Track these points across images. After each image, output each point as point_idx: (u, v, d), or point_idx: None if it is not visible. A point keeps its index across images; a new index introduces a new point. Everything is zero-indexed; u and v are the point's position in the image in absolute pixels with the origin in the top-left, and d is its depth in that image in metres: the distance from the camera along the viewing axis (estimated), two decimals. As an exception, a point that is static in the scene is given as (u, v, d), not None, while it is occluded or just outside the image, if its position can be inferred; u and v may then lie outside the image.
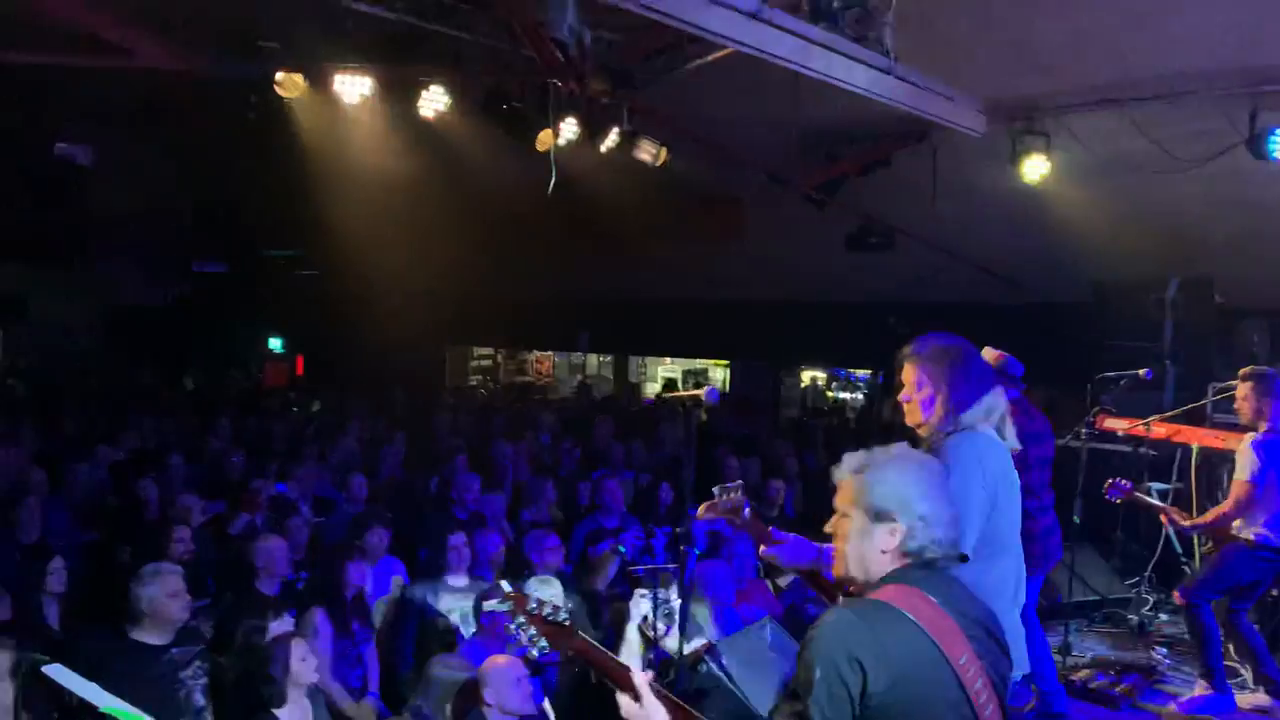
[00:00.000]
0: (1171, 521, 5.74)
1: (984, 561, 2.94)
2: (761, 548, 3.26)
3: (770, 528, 3.29)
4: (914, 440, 3.29)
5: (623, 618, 4.80)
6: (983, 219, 8.93)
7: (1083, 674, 5.96)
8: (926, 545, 2.09)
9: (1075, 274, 8.99)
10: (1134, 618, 6.86)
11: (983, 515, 2.98)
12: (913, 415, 3.21)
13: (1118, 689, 5.77)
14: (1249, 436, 5.28)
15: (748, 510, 3.31)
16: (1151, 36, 5.62)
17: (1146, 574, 7.02)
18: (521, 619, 2.28)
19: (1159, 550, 6.86)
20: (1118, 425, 6.73)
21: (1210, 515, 5.45)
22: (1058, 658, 5.93)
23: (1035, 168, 7.20)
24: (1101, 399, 6.65)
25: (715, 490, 3.31)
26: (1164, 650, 6.44)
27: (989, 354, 5.30)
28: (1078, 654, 6.28)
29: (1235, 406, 5.46)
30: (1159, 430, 6.66)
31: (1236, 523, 5.28)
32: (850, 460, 2.22)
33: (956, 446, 3.04)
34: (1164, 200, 7.78)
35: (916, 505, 2.10)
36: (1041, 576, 5.42)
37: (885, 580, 2.10)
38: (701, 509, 3.31)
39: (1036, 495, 5.04)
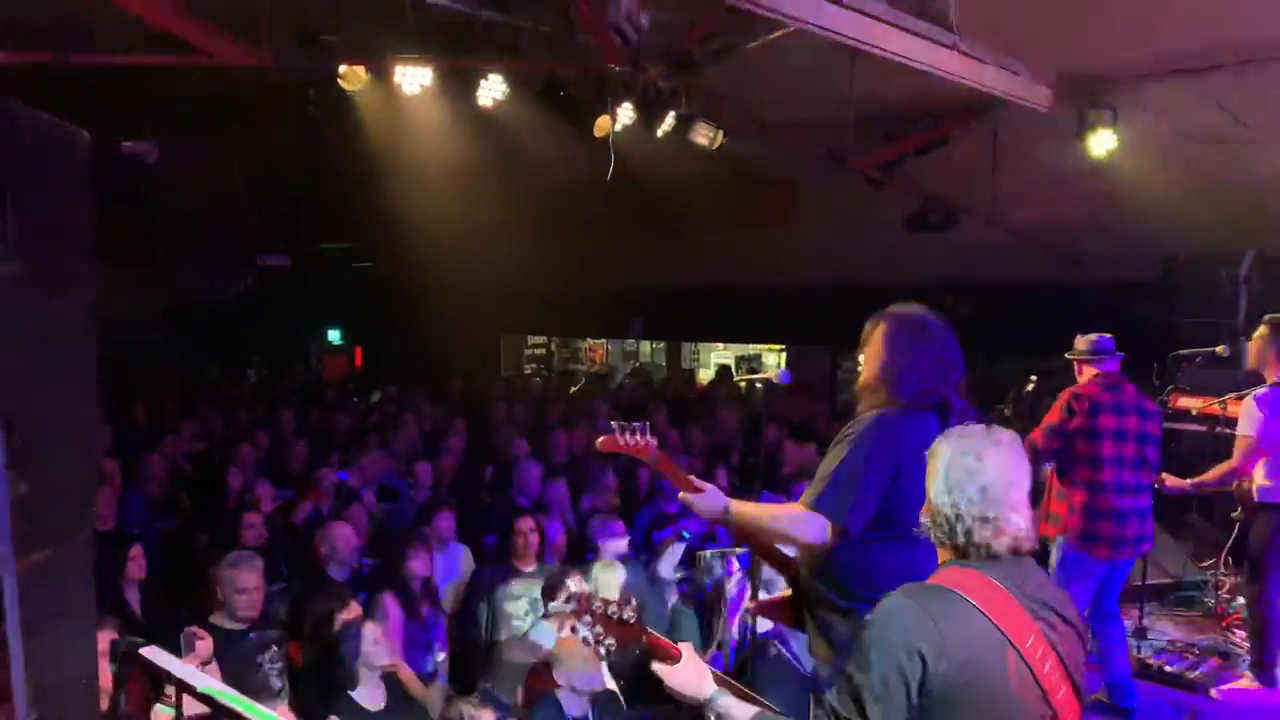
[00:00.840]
0: (1165, 486, 5.54)
1: (887, 544, 2.88)
2: (681, 494, 3.10)
3: (691, 475, 3.12)
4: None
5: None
6: (1046, 195, 8.73)
7: (1158, 659, 5.84)
8: (946, 527, 2.08)
9: (1143, 250, 8.74)
10: (1210, 601, 6.70)
11: (877, 492, 2.88)
12: (859, 376, 3.25)
13: (1194, 674, 5.65)
14: (1253, 391, 5.26)
15: (654, 453, 3.06)
16: (1224, 2, 5.44)
17: (1222, 556, 6.84)
18: (588, 618, 2.26)
19: (1235, 532, 6.68)
20: (1192, 404, 6.55)
21: (1214, 473, 5.38)
22: (1132, 641, 5.81)
23: (1102, 142, 7.00)
24: (1176, 377, 6.49)
25: (614, 425, 3.01)
26: (1242, 634, 6.28)
27: (1081, 341, 5.26)
28: (1153, 638, 6.16)
29: (1248, 344, 5.46)
30: (1235, 409, 6.47)
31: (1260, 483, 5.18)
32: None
33: (877, 420, 2.99)
34: (1237, 172, 7.54)
35: (941, 485, 2.09)
36: (1130, 563, 5.31)
37: (948, 564, 2.11)
38: (600, 441, 3.05)
39: (1100, 468, 4.97)
